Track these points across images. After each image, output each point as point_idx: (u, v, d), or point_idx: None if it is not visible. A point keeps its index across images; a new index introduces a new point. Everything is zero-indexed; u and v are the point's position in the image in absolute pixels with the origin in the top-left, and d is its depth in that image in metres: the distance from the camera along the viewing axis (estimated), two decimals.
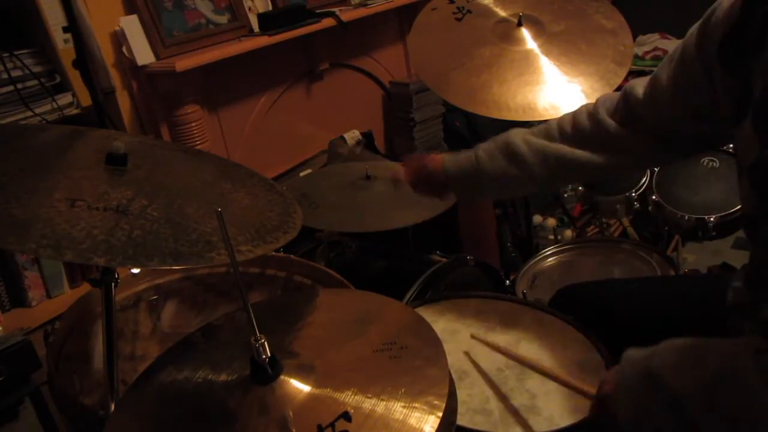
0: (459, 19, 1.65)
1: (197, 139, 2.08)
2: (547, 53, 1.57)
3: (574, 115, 1.14)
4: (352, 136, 2.58)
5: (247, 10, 2.27)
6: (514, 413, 1.04)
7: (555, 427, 0.99)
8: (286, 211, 1.01)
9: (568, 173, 1.12)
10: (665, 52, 3.19)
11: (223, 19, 2.20)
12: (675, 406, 0.70)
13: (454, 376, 0.81)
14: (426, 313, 1.25)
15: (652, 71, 1.03)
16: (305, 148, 2.56)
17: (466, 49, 1.59)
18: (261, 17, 2.24)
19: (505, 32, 1.61)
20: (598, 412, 0.87)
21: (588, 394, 0.91)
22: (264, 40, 2.15)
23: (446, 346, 0.81)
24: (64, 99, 1.78)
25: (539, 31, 1.61)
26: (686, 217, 1.91)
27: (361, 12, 2.52)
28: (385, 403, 0.71)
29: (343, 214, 1.62)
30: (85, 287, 1.78)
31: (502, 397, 1.07)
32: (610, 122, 1.08)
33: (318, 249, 1.88)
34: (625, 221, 2.24)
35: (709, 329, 0.78)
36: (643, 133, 1.04)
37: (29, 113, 1.71)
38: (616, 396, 0.80)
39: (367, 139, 2.64)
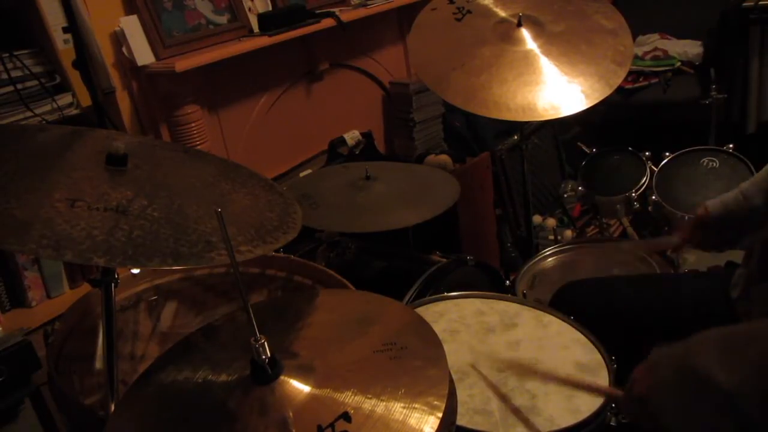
0: (459, 19, 1.65)
1: (197, 139, 2.08)
2: (547, 53, 1.57)
3: None
4: (352, 136, 2.58)
5: (247, 10, 2.27)
6: (515, 413, 1.04)
7: (555, 428, 0.99)
8: (286, 211, 1.01)
9: None
10: (665, 52, 3.19)
11: (223, 19, 2.20)
12: (728, 404, 0.63)
13: (454, 376, 0.81)
14: (426, 313, 1.25)
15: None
16: (305, 148, 2.56)
17: (466, 49, 1.59)
18: (261, 17, 2.24)
19: (505, 32, 1.61)
20: (632, 413, 0.81)
21: (603, 390, 0.88)
22: (264, 41, 2.15)
23: (446, 347, 0.81)
24: (64, 99, 1.78)
25: (539, 32, 1.61)
26: (686, 217, 1.91)
27: (361, 12, 2.52)
28: (385, 403, 0.71)
29: (343, 214, 1.62)
30: (85, 287, 1.78)
31: (503, 398, 1.07)
32: None
33: (318, 249, 1.88)
34: (625, 221, 2.24)
35: (711, 325, 0.77)
36: None
37: (29, 113, 1.71)
38: (657, 397, 0.72)
39: (367, 139, 2.64)
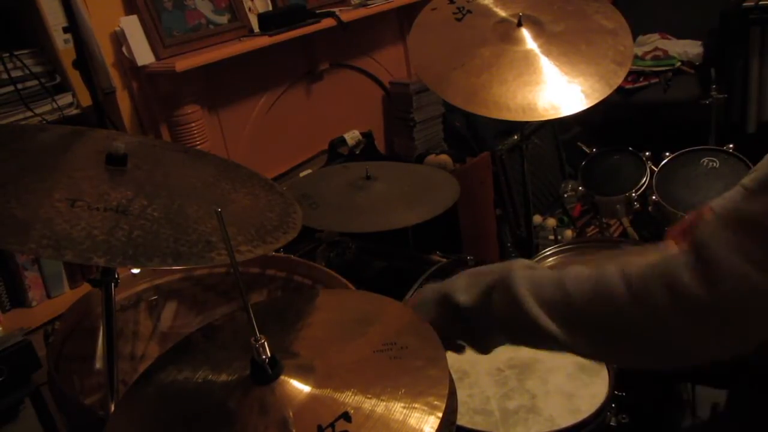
0: (459, 19, 1.65)
1: (197, 139, 2.08)
2: (547, 53, 1.57)
3: None
4: (352, 136, 2.58)
5: (247, 10, 2.27)
6: (515, 413, 1.04)
7: (555, 428, 1.00)
8: (286, 211, 1.01)
9: None
10: (665, 52, 3.19)
11: (223, 19, 2.20)
12: (461, 316, 0.83)
13: (454, 376, 0.81)
14: None
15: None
16: (305, 148, 2.56)
17: (466, 49, 1.59)
18: (261, 17, 2.24)
19: (505, 32, 1.61)
20: None
21: None
22: (264, 40, 2.15)
23: None
24: (64, 99, 1.78)
25: (539, 32, 1.61)
26: (686, 217, 1.90)
27: (361, 12, 2.52)
28: (385, 403, 0.71)
29: (343, 214, 1.62)
30: (85, 287, 1.77)
31: (503, 398, 1.07)
32: None
33: (318, 249, 1.88)
34: (625, 221, 2.24)
35: None
36: None
37: (29, 113, 1.71)
38: (418, 310, 0.89)
39: (367, 139, 2.64)
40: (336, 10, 2.43)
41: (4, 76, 1.68)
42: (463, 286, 0.84)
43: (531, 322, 0.74)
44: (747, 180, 1.18)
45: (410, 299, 0.93)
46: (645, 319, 0.67)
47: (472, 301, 0.82)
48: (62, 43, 1.77)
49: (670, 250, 0.70)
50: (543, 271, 0.79)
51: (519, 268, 0.79)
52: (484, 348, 0.85)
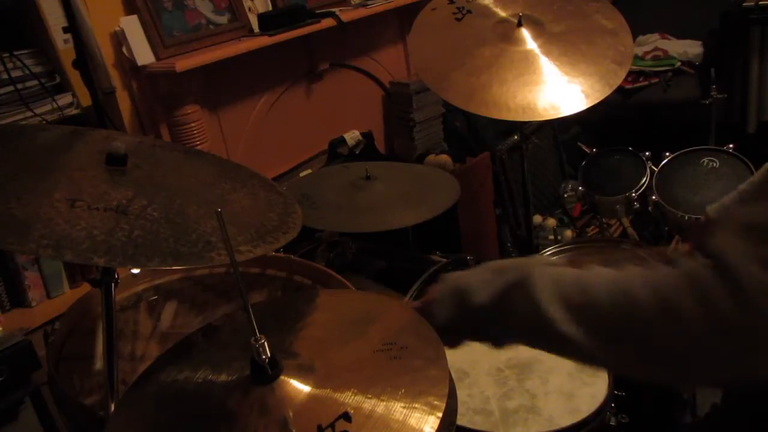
0: (459, 19, 1.65)
1: (197, 139, 2.08)
2: (547, 53, 1.57)
3: None
4: (352, 136, 2.58)
5: (247, 10, 2.27)
6: (515, 413, 1.04)
7: (555, 428, 1.00)
8: (286, 211, 1.01)
9: None
10: (665, 52, 3.19)
11: (223, 19, 2.20)
12: (478, 315, 0.79)
13: (454, 376, 0.81)
14: None
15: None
16: (305, 148, 2.56)
17: (466, 49, 1.59)
18: (261, 17, 2.24)
19: (505, 32, 1.61)
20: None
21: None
22: (264, 40, 2.15)
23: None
24: (64, 99, 1.78)
25: (539, 32, 1.61)
26: (686, 217, 1.91)
27: (361, 12, 2.52)
28: (385, 403, 0.71)
29: (343, 214, 1.62)
30: (85, 287, 1.78)
31: (502, 398, 1.07)
32: None
33: (318, 249, 1.88)
34: (625, 221, 2.24)
35: None
36: None
37: (29, 113, 1.71)
38: (436, 301, 0.85)
39: (367, 139, 2.64)
40: (336, 10, 2.43)
41: (4, 76, 1.68)
42: (479, 283, 0.79)
43: (550, 325, 0.69)
44: (744, 185, 1.18)
45: (431, 291, 0.88)
46: (671, 330, 0.63)
47: (488, 301, 0.77)
48: (62, 43, 1.77)
49: (688, 258, 0.66)
50: (565, 270, 0.74)
51: (540, 265, 0.75)
52: (499, 345, 0.82)
